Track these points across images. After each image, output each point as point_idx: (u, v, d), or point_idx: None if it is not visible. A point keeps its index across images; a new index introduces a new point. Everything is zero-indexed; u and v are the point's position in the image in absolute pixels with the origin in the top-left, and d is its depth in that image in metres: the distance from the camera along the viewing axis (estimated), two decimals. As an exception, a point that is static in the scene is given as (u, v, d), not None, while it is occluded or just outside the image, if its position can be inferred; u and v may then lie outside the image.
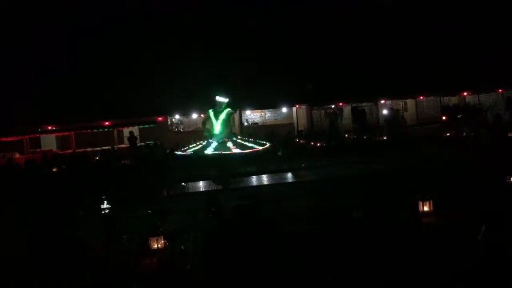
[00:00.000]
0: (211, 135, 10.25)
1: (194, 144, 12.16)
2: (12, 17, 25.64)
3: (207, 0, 27.51)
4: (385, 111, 25.74)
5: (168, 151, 18.79)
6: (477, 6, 26.58)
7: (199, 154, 10.11)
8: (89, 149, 22.25)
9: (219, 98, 10.25)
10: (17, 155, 21.16)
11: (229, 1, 27.27)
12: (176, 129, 25.90)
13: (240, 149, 11.09)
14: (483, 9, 26.51)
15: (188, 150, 11.58)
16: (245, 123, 26.15)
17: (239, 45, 24.73)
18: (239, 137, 12.57)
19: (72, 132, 23.52)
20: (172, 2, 27.20)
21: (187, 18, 26.47)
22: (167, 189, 12.16)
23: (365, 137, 20.01)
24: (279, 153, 15.79)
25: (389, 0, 26.94)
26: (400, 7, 27.16)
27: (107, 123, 23.54)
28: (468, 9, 26.53)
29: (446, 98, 27.04)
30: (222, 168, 11.54)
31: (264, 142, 12.34)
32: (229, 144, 11.33)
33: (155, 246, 6.69)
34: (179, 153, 12.31)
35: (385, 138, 20.22)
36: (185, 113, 24.66)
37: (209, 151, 10.66)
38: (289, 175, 13.65)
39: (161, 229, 6.90)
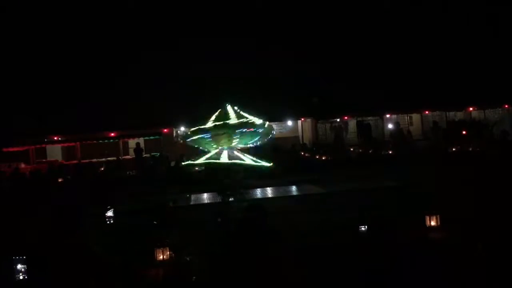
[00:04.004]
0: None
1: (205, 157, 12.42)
2: (18, 25, 25.93)
3: (214, 11, 27.69)
4: (390, 125, 25.72)
5: (173, 163, 18.84)
6: (483, 23, 26.67)
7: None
8: (95, 160, 22.30)
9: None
10: (23, 165, 21.22)
11: (236, 12, 27.45)
12: (182, 141, 25.89)
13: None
14: (489, 26, 26.60)
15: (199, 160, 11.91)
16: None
17: (245, 57, 24.84)
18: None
19: (78, 143, 23.59)
20: (178, 13, 27.45)
21: (193, 30, 26.68)
22: (172, 201, 12.15)
23: (370, 151, 19.98)
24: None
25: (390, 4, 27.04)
26: (405, 22, 27.27)
27: (112, 134, 23.60)
28: (474, 25, 26.62)
29: (452, 113, 26.97)
30: (232, 177, 11.71)
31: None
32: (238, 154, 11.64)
33: (161, 257, 6.66)
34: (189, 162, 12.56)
35: (390, 152, 20.17)
36: (191, 124, 24.66)
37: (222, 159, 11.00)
38: (294, 188, 13.62)
39: (167, 240, 6.88)
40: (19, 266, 5.64)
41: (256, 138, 12.37)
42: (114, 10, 26.98)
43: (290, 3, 28.55)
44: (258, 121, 11.95)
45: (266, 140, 12.83)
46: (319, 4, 28.58)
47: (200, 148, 12.89)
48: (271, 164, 12.50)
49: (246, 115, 12.15)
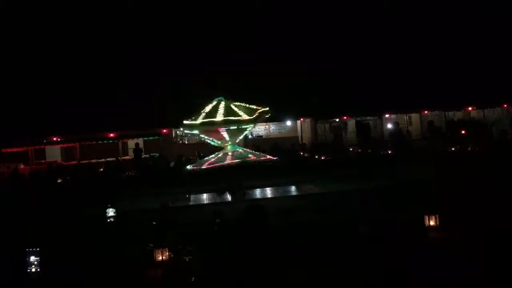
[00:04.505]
0: None
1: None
2: (18, 26, 25.91)
3: (215, 10, 27.69)
4: (389, 125, 25.73)
5: (172, 163, 18.84)
6: (483, 22, 26.67)
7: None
8: (94, 160, 22.27)
9: None
10: (22, 166, 21.19)
11: (236, 11, 27.46)
12: (181, 141, 25.92)
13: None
14: (488, 25, 26.60)
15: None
16: (250, 136, 26.12)
17: (245, 57, 24.83)
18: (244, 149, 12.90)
19: (77, 144, 23.58)
20: (178, 14, 27.45)
21: (193, 30, 26.69)
22: (171, 201, 12.15)
23: (369, 151, 19.96)
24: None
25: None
26: (405, 21, 27.27)
27: (111, 134, 23.59)
28: (473, 24, 26.62)
29: (451, 113, 27.00)
30: (234, 179, 11.76)
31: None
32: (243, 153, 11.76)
33: (160, 258, 6.65)
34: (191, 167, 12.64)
35: (389, 152, 20.16)
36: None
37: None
38: (293, 188, 13.63)
39: (166, 241, 6.87)
40: (32, 258, 5.60)
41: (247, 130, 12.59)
42: (115, 9, 26.97)
43: (290, 3, 28.56)
44: (247, 116, 12.04)
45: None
46: (318, 4, 28.59)
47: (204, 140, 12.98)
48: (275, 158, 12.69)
49: (237, 110, 12.23)
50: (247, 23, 26.98)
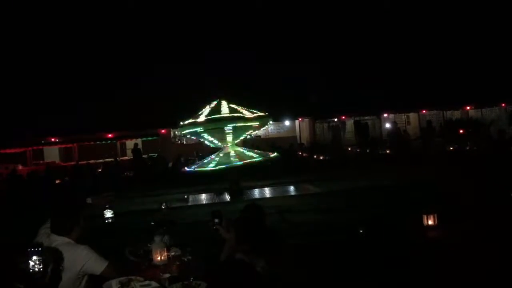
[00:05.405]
0: None
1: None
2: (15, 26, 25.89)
3: (213, 10, 27.70)
4: (388, 125, 25.75)
5: (170, 164, 18.84)
6: (480, 21, 26.70)
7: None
8: (92, 161, 22.26)
9: None
10: (20, 167, 21.17)
11: (235, 11, 27.46)
12: (179, 142, 25.90)
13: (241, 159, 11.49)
14: (487, 24, 26.63)
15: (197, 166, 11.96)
16: (248, 136, 26.05)
17: (243, 57, 24.83)
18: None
19: (75, 144, 23.56)
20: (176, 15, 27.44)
21: (192, 29, 26.67)
22: (170, 201, 12.13)
23: (368, 151, 20.00)
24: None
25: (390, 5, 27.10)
26: (403, 21, 27.28)
27: (110, 135, 23.57)
28: (471, 23, 26.65)
29: (449, 112, 27.00)
30: (232, 178, 11.72)
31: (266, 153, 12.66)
32: (233, 156, 11.68)
33: (159, 258, 6.62)
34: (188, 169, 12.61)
35: (388, 151, 20.20)
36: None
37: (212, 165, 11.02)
38: (292, 188, 13.63)
39: (165, 241, 6.84)
40: (34, 258, 5.57)
41: (250, 131, 12.52)
42: (112, 10, 26.94)
43: (289, 2, 28.58)
44: (251, 114, 11.98)
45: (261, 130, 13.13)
46: (317, 3, 28.61)
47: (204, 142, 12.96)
48: (276, 154, 12.68)
49: (240, 109, 12.19)
50: (247, 23, 26.99)
